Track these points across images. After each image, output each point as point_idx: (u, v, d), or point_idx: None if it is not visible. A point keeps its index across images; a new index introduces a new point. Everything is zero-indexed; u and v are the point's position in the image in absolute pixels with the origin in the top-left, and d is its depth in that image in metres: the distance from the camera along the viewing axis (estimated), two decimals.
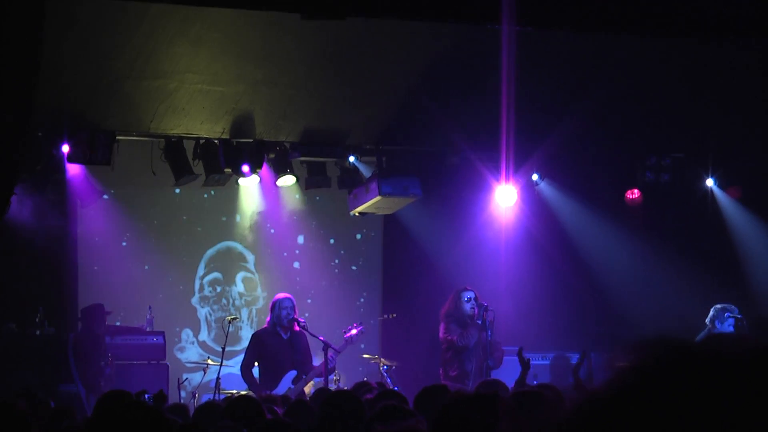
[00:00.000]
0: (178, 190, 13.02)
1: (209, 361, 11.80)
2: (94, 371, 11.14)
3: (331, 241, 14.14)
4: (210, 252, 13.75)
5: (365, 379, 9.85)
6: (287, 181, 12.43)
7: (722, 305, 10.84)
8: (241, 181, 12.36)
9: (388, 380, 11.16)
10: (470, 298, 11.00)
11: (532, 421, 1.27)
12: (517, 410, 3.90)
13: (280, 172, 12.24)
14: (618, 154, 13.07)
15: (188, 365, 12.78)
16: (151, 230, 13.35)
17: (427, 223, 13.40)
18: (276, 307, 10.80)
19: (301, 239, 14.06)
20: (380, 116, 12.08)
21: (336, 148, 12.40)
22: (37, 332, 11.25)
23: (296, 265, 14.03)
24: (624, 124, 12.33)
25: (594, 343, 11.63)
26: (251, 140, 11.90)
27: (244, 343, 12.15)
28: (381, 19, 9.64)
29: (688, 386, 1.14)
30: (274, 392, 9.58)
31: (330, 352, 10.33)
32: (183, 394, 11.68)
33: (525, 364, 8.70)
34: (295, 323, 10.69)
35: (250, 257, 13.89)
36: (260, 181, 12.43)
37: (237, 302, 13.80)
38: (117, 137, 11.32)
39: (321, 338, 10.44)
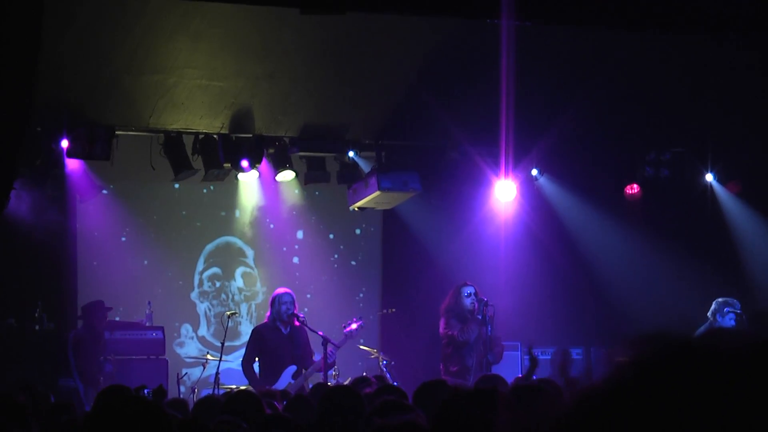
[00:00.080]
0: (177, 185, 13.01)
1: (208, 356, 11.82)
2: (93, 368, 11.15)
3: (331, 236, 14.14)
4: (209, 247, 13.75)
5: (364, 374, 9.85)
6: (286, 176, 12.42)
7: (724, 299, 10.85)
8: (241, 176, 12.35)
9: (387, 375, 11.16)
10: (470, 294, 11.00)
11: (532, 416, 1.27)
12: (516, 405, 3.90)
13: (279, 167, 12.23)
14: (617, 149, 13.07)
15: (187, 360, 12.79)
16: (151, 225, 13.35)
17: (427, 218, 13.40)
18: (276, 302, 10.80)
19: (300, 234, 14.06)
20: (380, 111, 12.08)
21: (335, 143, 12.39)
22: (37, 327, 11.25)
23: (295, 260, 14.03)
24: (623, 119, 12.33)
25: (593, 337, 11.65)
26: (250, 135, 11.90)
27: (244, 338, 12.16)
28: (380, 13, 9.64)
29: (686, 381, 1.13)
30: (274, 387, 9.59)
31: (329, 347, 10.33)
32: (182, 389, 11.68)
33: (534, 361, 8.69)
34: (295, 318, 10.69)
35: (249, 252, 13.90)
36: (259, 176, 12.42)
37: (236, 297, 13.80)
38: (116, 132, 11.31)
39: (320, 333, 10.45)
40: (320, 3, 8.13)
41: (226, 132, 11.77)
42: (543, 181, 13.30)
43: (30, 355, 11.02)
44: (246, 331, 12.82)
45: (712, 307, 10.83)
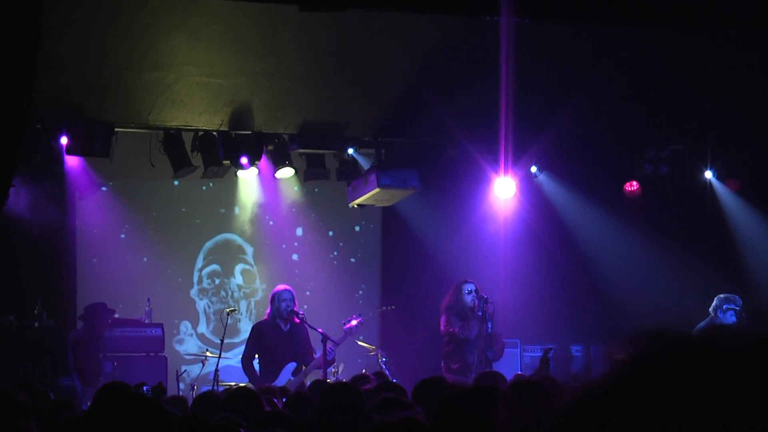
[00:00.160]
0: (176, 182, 13.00)
1: (208, 354, 11.81)
2: (92, 367, 11.14)
3: (330, 233, 14.14)
4: (209, 244, 13.75)
5: (363, 371, 9.86)
6: (286, 173, 12.42)
7: (726, 295, 10.84)
8: (240, 173, 12.35)
9: (387, 372, 11.16)
10: (471, 291, 11.00)
11: (531, 412, 1.27)
12: (515, 401, 3.90)
13: (278, 164, 12.23)
14: (617, 146, 13.06)
15: (187, 357, 12.79)
16: (150, 222, 13.34)
17: (426, 215, 13.40)
18: (276, 299, 10.80)
19: (299, 231, 14.06)
20: (379, 108, 12.07)
21: (335, 140, 12.39)
22: (36, 324, 11.25)
23: (295, 257, 14.03)
24: (623, 116, 12.32)
25: (593, 334, 11.65)
26: (250, 132, 11.89)
27: (243, 335, 12.15)
28: (380, 11, 9.63)
29: (686, 378, 1.14)
30: (273, 384, 9.58)
31: (329, 344, 10.33)
32: (182, 386, 11.68)
33: (546, 365, 8.67)
34: (294, 316, 10.69)
35: (248, 249, 13.90)
36: (259, 173, 12.42)
37: (236, 294, 13.80)
38: (115, 129, 11.31)
39: (319, 330, 10.44)
40: (320, 0, 8.12)
41: (226, 129, 11.76)
42: (542, 179, 13.30)
43: (29, 352, 11.02)
44: (245, 328, 12.82)
45: (714, 302, 10.84)
